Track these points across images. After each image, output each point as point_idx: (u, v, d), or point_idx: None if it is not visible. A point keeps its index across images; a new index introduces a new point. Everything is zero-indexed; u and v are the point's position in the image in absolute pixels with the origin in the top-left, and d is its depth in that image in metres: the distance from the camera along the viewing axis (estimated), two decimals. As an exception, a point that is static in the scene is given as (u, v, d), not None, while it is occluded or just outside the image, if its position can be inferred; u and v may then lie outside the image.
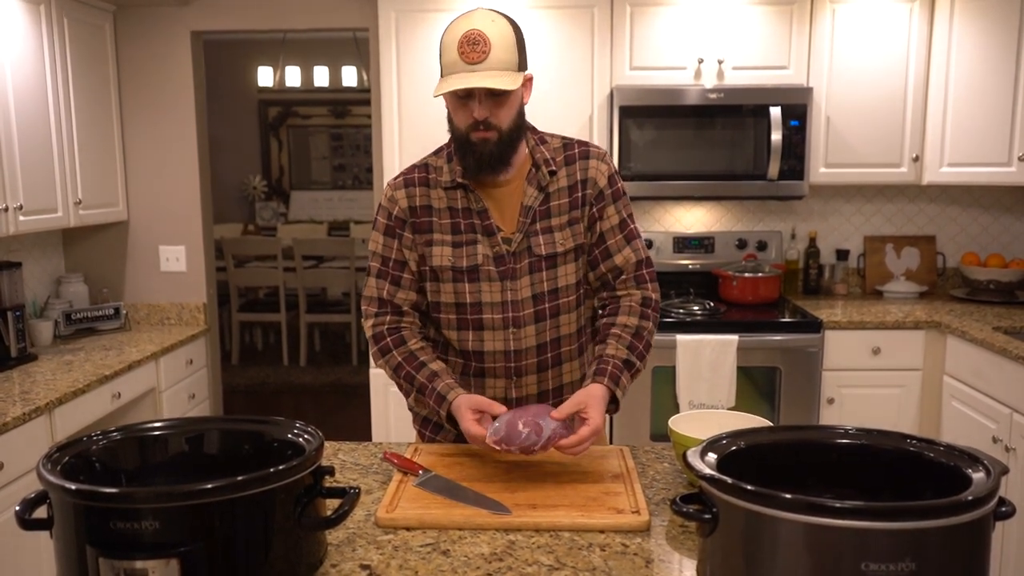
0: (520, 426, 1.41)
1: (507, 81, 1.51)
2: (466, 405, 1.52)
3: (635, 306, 1.67)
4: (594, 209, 1.69)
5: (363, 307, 1.72)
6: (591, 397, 1.51)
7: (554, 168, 1.67)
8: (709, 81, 3.32)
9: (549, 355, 1.71)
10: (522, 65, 1.57)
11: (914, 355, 3.17)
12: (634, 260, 1.70)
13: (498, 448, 1.42)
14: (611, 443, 3.12)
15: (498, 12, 1.56)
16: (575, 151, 1.70)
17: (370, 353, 1.72)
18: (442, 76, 1.55)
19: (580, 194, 1.68)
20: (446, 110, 1.64)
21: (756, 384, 3.15)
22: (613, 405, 1.56)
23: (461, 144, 1.61)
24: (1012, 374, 2.63)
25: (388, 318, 1.68)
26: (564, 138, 1.73)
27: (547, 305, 1.68)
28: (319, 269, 6.39)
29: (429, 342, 1.72)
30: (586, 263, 1.72)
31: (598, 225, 1.69)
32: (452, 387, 1.59)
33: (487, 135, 1.57)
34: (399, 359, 1.65)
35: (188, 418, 1.23)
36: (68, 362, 2.92)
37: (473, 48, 1.50)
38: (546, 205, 1.66)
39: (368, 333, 1.70)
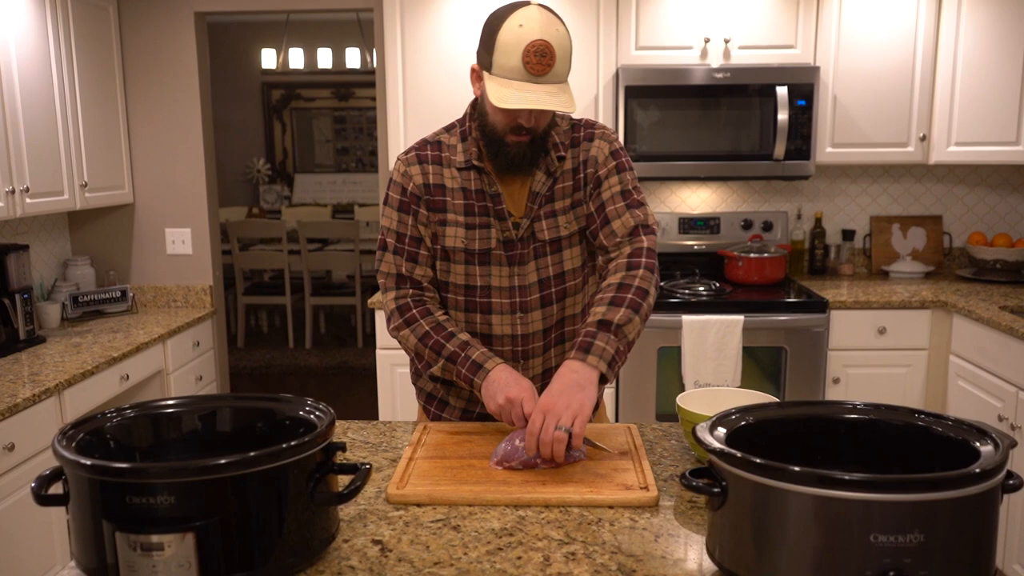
0: (516, 442, 1.42)
1: (570, 101, 1.48)
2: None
3: (621, 263, 1.58)
4: (592, 187, 1.66)
5: (381, 281, 1.69)
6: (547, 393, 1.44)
7: (563, 153, 1.65)
8: (715, 61, 3.30)
9: (553, 335, 1.72)
10: (569, 71, 1.54)
11: (920, 335, 3.17)
12: (631, 224, 1.61)
13: (500, 468, 1.41)
14: (617, 422, 3.13)
15: (553, 13, 1.51)
16: (580, 133, 1.68)
17: (389, 325, 1.68)
18: (493, 73, 1.49)
19: (582, 175, 1.66)
20: (474, 95, 1.59)
21: (761, 364, 3.16)
22: (609, 370, 1.46)
23: (493, 142, 1.58)
24: (1018, 353, 2.63)
25: (411, 291, 1.67)
26: (572, 119, 1.71)
27: (553, 290, 1.68)
28: (324, 252, 6.40)
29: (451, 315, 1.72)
30: (589, 239, 1.69)
31: (599, 196, 1.65)
32: (489, 356, 1.58)
33: (524, 138, 1.56)
34: (427, 327, 1.63)
35: (201, 396, 1.24)
36: (76, 344, 2.93)
37: (540, 60, 1.46)
38: (551, 190, 1.65)
39: (391, 306, 1.67)
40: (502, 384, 1.53)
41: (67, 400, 2.53)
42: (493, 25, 1.51)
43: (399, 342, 1.69)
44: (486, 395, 1.56)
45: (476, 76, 1.57)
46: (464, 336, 1.63)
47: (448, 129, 1.70)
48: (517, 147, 1.57)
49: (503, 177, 1.63)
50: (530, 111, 1.51)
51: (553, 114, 1.60)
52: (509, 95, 1.46)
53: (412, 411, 3.24)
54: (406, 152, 1.69)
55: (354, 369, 5.80)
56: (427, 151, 1.67)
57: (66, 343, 2.95)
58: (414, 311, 1.65)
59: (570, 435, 1.36)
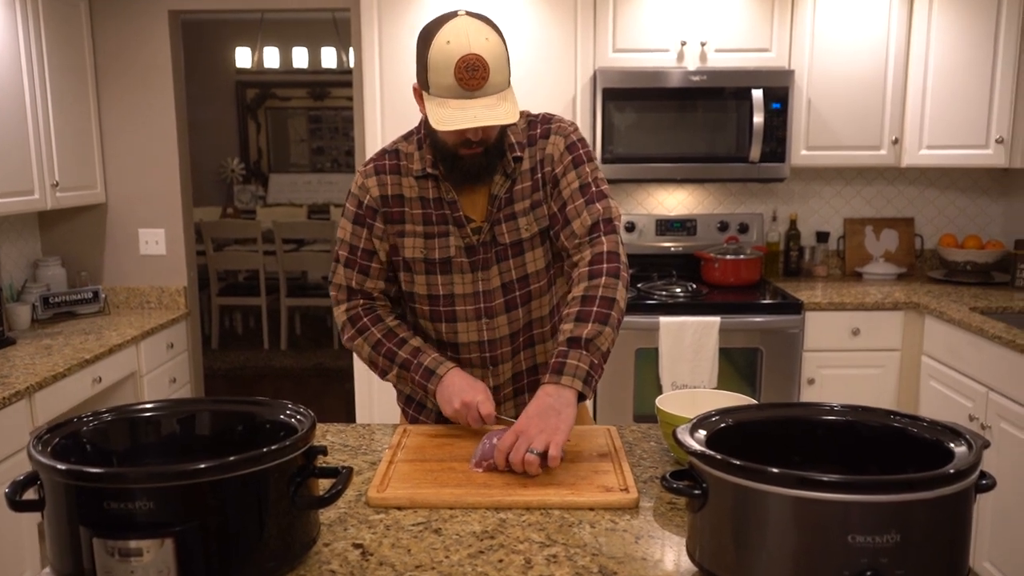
0: (495, 440, 1.42)
1: (511, 111, 1.45)
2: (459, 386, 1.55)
3: (583, 272, 1.53)
4: (551, 186, 1.62)
5: (333, 294, 1.70)
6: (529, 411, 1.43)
7: (519, 154, 1.62)
8: (692, 64, 3.32)
9: (522, 339, 1.71)
10: (510, 77, 1.51)
11: (893, 336, 3.21)
12: (590, 222, 1.56)
13: (480, 470, 1.41)
14: (595, 423, 3.14)
15: (484, 20, 1.47)
16: (537, 130, 1.65)
17: (343, 337, 1.69)
18: (431, 93, 1.47)
19: (540, 174, 1.63)
20: (421, 113, 1.57)
21: (737, 365, 3.18)
22: (586, 387, 1.44)
23: (447, 158, 1.56)
24: (988, 353, 2.68)
25: (361, 302, 1.68)
26: (529, 115, 1.67)
27: (518, 293, 1.66)
28: (299, 252, 6.35)
29: (404, 321, 1.72)
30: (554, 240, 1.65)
31: (560, 195, 1.61)
32: (441, 361, 1.60)
33: (477, 151, 1.54)
34: (378, 335, 1.64)
35: (179, 399, 1.23)
36: (47, 346, 2.89)
37: (472, 75, 1.42)
38: (510, 192, 1.62)
39: (342, 318, 1.68)
40: (456, 389, 1.55)
41: (38, 403, 2.49)
42: (423, 44, 1.48)
43: (355, 352, 1.69)
44: (441, 400, 1.57)
45: (418, 95, 1.54)
46: (416, 342, 1.64)
47: (407, 137, 1.68)
48: (472, 159, 1.55)
49: (463, 185, 1.61)
50: (476, 126, 1.47)
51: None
52: (446, 115, 1.44)
53: (389, 413, 3.23)
54: (365, 164, 1.67)
55: (330, 371, 5.77)
56: (385, 161, 1.65)
57: (37, 345, 2.91)
58: (365, 320, 1.66)
59: (544, 457, 1.36)
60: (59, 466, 0.96)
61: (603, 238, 1.55)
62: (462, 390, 1.55)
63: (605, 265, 1.52)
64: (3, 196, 2.85)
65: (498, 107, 1.45)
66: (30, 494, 1.02)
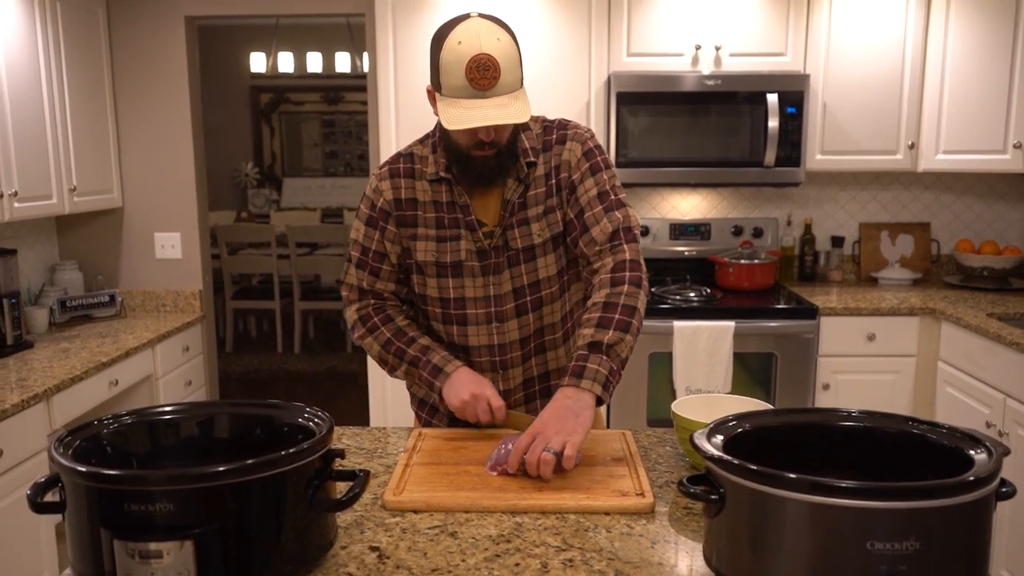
0: (509, 445, 1.42)
1: (523, 110, 1.46)
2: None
3: (605, 278, 1.53)
4: (567, 192, 1.63)
5: (344, 294, 1.72)
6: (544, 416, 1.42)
7: (533, 159, 1.62)
8: (706, 68, 3.32)
9: (532, 345, 1.71)
10: (522, 78, 1.52)
11: (908, 341, 3.19)
12: (610, 229, 1.57)
13: (495, 473, 1.41)
14: (609, 427, 3.14)
15: (496, 22, 1.48)
16: (553, 136, 1.65)
17: (353, 335, 1.72)
18: (443, 94, 1.48)
19: (555, 180, 1.63)
20: (435, 115, 1.57)
21: (752, 370, 3.17)
22: (605, 391, 1.44)
23: (460, 159, 1.57)
24: (1006, 360, 2.66)
25: (372, 302, 1.71)
26: (545, 121, 1.68)
27: (529, 299, 1.66)
28: (313, 256, 6.38)
29: (414, 321, 1.74)
30: (569, 247, 1.65)
31: (577, 202, 1.61)
32: (449, 359, 1.63)
33: (489, 152, 1.55)
34: (388, 334, 1.67)
35: (198, 402, 1.23)
36: (64, 349, 2.91)
37: (483, 75, 1.43)
38: (524, 197, 1.62)
39: (353, 317, 1.70)
40: (464, 382, 1.59)
41: (55, 406, 2.51)
42: (436, 45, 1.49)
43: (365, 350, 1.72)
44: (448, 394, 1.60)
45: (431, 97, 1.55)
46: (425, 341, 1.67)
47: (422, 141, 1.69)
48: (484, 161, 1.56)
49: (475, 187, 1.62)
50: (488, 126, 1.48)
51: (515, 124, 1.57)
52: (457, 115, 1.45)
53: (403, 416, 3.24)
54: (380, 167, 1.69)
55: (343, 374, 5.79)
56: (399, 164, 1.67)
57: (54, 348, 2.93)
58: (375, 319, 1.69)
59: (561, 457, 1.35)
60: (80, 468, 0.97)
61: (625, 246, 1.56)
62: (470, 382, 1.59)
63: (628, 273, 1.53)
64: (22, 201, 2.87)
65: (509, 107, 1.46)
66: (51, 496, 1.03)
